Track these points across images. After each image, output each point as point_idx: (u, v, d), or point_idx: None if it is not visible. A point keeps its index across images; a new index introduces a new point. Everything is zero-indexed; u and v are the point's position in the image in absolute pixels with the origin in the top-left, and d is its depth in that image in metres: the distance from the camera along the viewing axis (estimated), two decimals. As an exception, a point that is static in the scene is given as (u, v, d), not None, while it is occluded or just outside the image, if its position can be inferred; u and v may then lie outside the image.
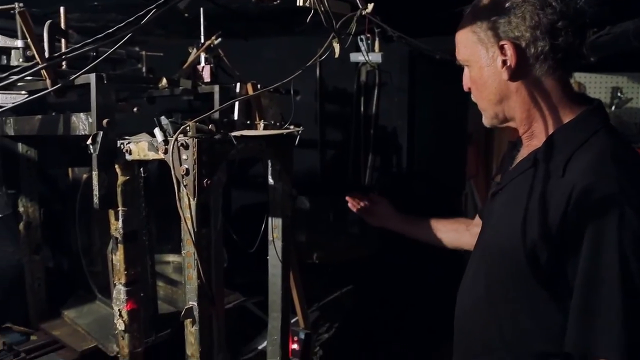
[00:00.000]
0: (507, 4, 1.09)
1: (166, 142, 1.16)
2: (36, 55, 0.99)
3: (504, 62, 1.11)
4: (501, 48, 1.11)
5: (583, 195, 0.99)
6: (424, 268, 2.67)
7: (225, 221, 1.56)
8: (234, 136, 1.24)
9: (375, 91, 3.00)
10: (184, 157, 1.15)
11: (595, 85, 3.92)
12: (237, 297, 2.01)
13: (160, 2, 0.78)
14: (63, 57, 0.86)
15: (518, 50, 1.09)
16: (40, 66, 0.75)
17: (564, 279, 1.03)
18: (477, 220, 1.56)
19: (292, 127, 1.62)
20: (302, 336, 1.85)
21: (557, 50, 1.09)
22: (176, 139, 1.13)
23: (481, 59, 1.15)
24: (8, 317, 1.83)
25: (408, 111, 3.03)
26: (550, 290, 1.08)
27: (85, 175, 1.91)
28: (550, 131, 1.13)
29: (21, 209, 1.84)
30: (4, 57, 1.66)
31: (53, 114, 1.85)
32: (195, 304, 1.21)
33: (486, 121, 1.24)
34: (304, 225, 2.62)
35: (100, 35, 0.77)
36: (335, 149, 3.15)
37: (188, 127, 1.15)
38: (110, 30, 0.77)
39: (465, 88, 1.26)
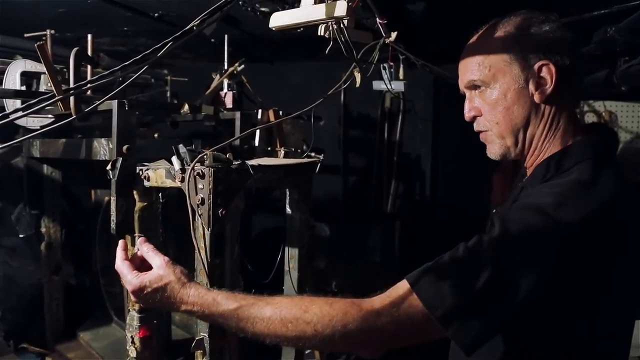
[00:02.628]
0: (545, 25, 1.05)
1: (183, 170, 1.16)
2: (53, 87, 1.00)
3: (539, 84, 1.05)
4: (539, 69, 1.05)
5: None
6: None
7: (243, 248, 1.54)
8: (252, 165, 1.23)
9: (400, 118, 2.98)
10: (199, 186, 1.14)
11: (627, 114, 3.81)
12: (252, 325, 1.97)
13: (176, 35, 0.78)
14: (78, 89, 0.87)
15: (558, 71, 1.04)
16: (55, 99, 0.75)
17: (547, 319, 0.95)
18: None
19: (312, 154, 1.61)
20: (317, 369, 1.80)
21: (583, 77, 1.06)
22: (192, 168, 1.13)
23: (511, 80, 1.07)
24: (26, 337, 1.85)
25: (432, 138, 2.99)
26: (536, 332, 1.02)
27: (107, 198, 1.92)
28: None
29: (43, 230, 1.87)
30: (35, 80, 1.71)
31: (79, 136, 1.89)
32: (206, 335, 1.19)
33: (499, 151, 1.13)
34: (324, 252, 2.58)
35: (116, 68, 0.78)
36: (357, 175, 3.12)
37: (205, 156, 1.14)
38: (126, 63, 0.78)
39: (469, 116, 1.15)
